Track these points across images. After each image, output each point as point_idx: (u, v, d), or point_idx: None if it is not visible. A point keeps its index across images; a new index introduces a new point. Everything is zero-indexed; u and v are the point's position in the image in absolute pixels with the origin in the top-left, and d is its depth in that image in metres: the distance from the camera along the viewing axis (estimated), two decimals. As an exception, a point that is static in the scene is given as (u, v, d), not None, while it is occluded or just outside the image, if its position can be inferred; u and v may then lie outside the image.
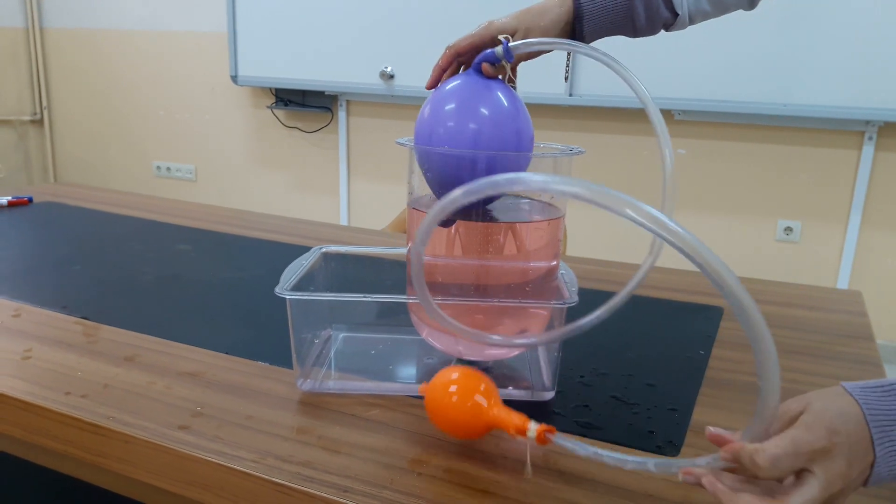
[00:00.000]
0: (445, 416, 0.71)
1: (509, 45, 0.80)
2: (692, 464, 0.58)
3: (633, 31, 0.89)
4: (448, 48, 0.86)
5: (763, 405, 0.53)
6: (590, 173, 3.01)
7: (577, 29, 0.86)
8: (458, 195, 0.60)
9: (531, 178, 0.58)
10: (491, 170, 0.78)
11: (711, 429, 0.60)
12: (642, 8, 0.86)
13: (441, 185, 0.80)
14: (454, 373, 0.73)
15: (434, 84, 0.87)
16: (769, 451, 0.52)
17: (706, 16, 0.92)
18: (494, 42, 0.84)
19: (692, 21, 0.91)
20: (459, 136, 0.78)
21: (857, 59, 2.50)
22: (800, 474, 0.53)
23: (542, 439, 0.65)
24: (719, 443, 0.59)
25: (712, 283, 0.50)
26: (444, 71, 0.87)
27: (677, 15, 0.89)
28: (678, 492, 0.66)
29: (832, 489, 0.52)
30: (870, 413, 0.54)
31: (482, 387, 0.70)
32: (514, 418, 0.67)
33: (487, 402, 0.69)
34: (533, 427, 0.65)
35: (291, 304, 0.81)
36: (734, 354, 0.99)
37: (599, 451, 0.61)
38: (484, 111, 0.79)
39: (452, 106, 0.80)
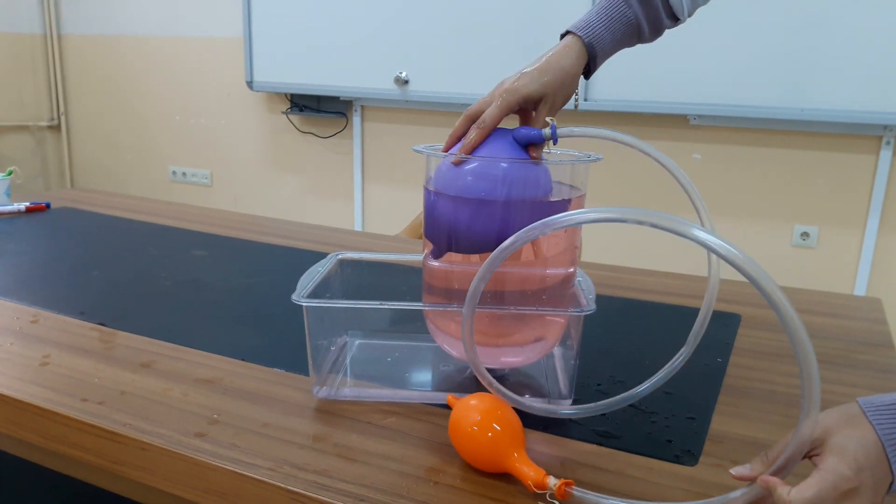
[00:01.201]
0: (466, 443, 0.70)
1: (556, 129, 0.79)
2: (727, 499, 0.60)
3: (638, 43, 0.90)
4: (478, 126, 0.80)
5: (797, 436, 0.55)
6: (603, 178, 3.00)
7: (589, 66, 0.87)
8: (538, 227, 0.62)
9: (592, 214, 0.59)
10: (510, 181, 0.78)
11: (733, 472, 0.61)
12: (647, 25, 0.87)
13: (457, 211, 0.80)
14: (486, 402, 0.72)
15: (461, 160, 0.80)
16: (795, 501, 0.54)
17: (699, 6, 0.92)
18: (521, 106, 0.82)
19: (689, 15, 0.91)
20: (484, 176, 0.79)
21: (875, 64, 2.48)
22: None
23: (562, 493, 0.64)
24: (747, 480, 0.60)
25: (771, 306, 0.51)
26: (475, 148, 0.81)
27: (678, 19, 0.89)
28: None
29: None
30: (885, 436, 0.55)
31: (510, 429, 0.70)
32: (533, 472, 0.66)
33: (510, 449, 0.68)
34: (552, 482, 0.65)
35: (308, 311, 0.81)
36: (753, 362, 0.98)
37: (619, 502, 0.62)
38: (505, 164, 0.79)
39: (475, 165, 0.80)
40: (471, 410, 0.71)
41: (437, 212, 0.81)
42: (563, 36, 0.86)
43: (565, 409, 0.80)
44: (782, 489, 0.55)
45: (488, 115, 0.80)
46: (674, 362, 0.79)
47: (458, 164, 0.80)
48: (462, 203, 0.78)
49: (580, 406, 0.78)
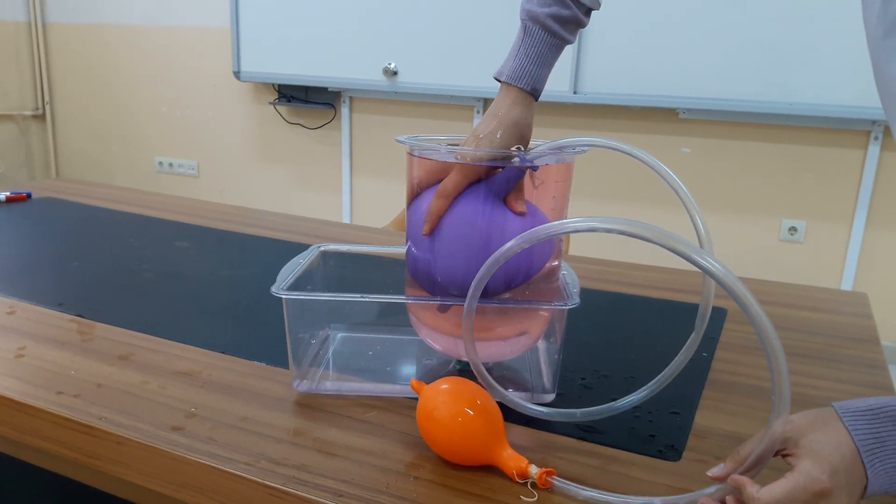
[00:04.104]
0: (441, 433, 0.69)
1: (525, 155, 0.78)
2: (700, 495, 0.60)
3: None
4: (440, 196, 0.77)
5: (769, 434, 0.56)
6: (595, 172, 3.00)
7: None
8: (541, 231, 0.62)
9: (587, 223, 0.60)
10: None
11: (710, 473, 0.61)
12: (571, 35, 0.85)
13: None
14: (462, 387, 0.71)
15: (432, 230, 0.79)
16: (763, 499, 0.54)
17: None
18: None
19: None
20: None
21: (863, 59, 2.48)
22: None
23: (543, 482, 0.65)
24: (721, 480, 0.60)
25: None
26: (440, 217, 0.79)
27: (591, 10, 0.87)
28: None
29: None
30: (859, 440, 0.55)
31: (491, 418, 0.69)
32: (514, 462, 0.66)
33: (492, 438, 0.68)
34: (534, 471, 0.65)
35: (288, 303, 0.80)
36: (738, 357, 0.97)
37: (598, 494, 0.63)
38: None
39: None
40: (446, 397, 0.70)
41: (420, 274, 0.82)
42: (498, 79, 0.84)
43: (570, 412, 0.78)
44: (751, 488, 0.55)
45: (451, 183, 0.77)
46: (666, 373, 0.77)
47: (428, 234, 0.79)
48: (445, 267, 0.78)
49: (586, 409, 0.76)
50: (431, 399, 0.70)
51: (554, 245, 0.81)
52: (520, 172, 0.78)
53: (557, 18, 0.81)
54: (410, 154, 0.82)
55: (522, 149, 0.79)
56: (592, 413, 0.76)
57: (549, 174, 0.81)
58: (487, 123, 0.81)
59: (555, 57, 0.84)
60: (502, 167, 0.78)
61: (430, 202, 0.78)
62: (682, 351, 0.76)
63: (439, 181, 0.79)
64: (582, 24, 0.85)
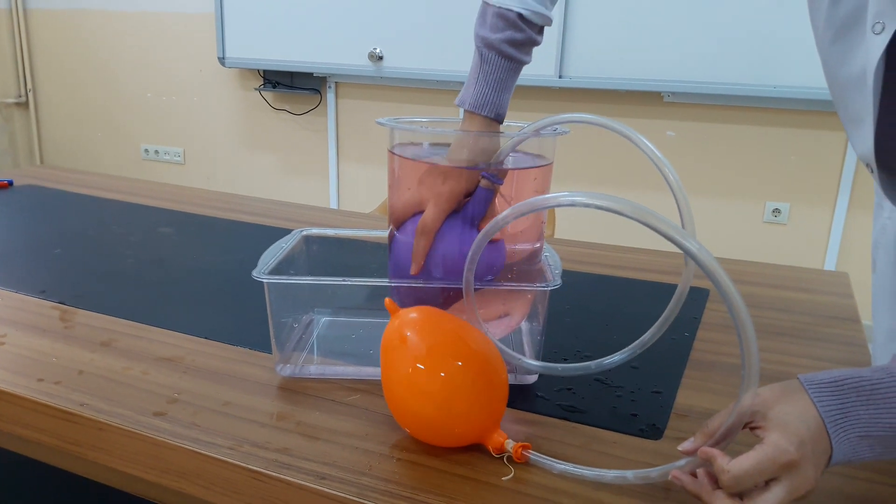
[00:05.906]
0: (416, 417, 0.68)
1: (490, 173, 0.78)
2: (672, 468, 0.61)
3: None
4: (421, 233, 0.78)
5: (738, 408, 0.56)
6: (579, 155, 3.00)
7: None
8: (534, 203, 0.63)
9: (574, 197, 0.60)
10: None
11: (680, 448, 0.62)
12: (528, 56, 0.85)
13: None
14: (451, 357, 0.69)
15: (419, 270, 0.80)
16: (733, 471, 0.55)
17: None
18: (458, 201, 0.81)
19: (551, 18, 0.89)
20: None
21: (847, 40, 2.48)
22: (768, 481, 0.56)
23: (518, 456, 0.65)
24: (691, 454, 0.61)
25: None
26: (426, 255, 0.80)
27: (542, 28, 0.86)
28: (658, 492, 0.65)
29: (797, 494, 0.55)
30: (824, 411, 0.56)
31: (501, 386, 0.69)
32: (493, 437, 0.67)
33: (494, 416, 0.68)
34: (510, 444, 0.66)
35: (269, 287, 0.80)
36: (719, 336, 0.98)
37: (572, 467, 0.64)
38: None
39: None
40: (446, 354, 0.68)
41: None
42: (461, 106, 0.84)
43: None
44: (722, 460, 0.56)
45: (429, 219, 0.78)
46: (645, 338, 0.78)
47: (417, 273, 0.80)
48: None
49: (599, 360, 0.78)
50: (426, 355, 0.68)
51: (502, 257, 0.82)
52: (490, 193, 0.79)
53: (512, 43, 0.81)
54: (391, 152, 0.83)
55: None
56: (606, 364, 0.78)
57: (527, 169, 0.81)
58: (457, 153, 0.81)
59: (514, 79, 0.84)
60: (474, 193, 0.80)
61: (410, 238, 0.79)
62: (672, 300, 0.77)
63: (419, 213, 0.80)
64: (537, 43, 0.85)
